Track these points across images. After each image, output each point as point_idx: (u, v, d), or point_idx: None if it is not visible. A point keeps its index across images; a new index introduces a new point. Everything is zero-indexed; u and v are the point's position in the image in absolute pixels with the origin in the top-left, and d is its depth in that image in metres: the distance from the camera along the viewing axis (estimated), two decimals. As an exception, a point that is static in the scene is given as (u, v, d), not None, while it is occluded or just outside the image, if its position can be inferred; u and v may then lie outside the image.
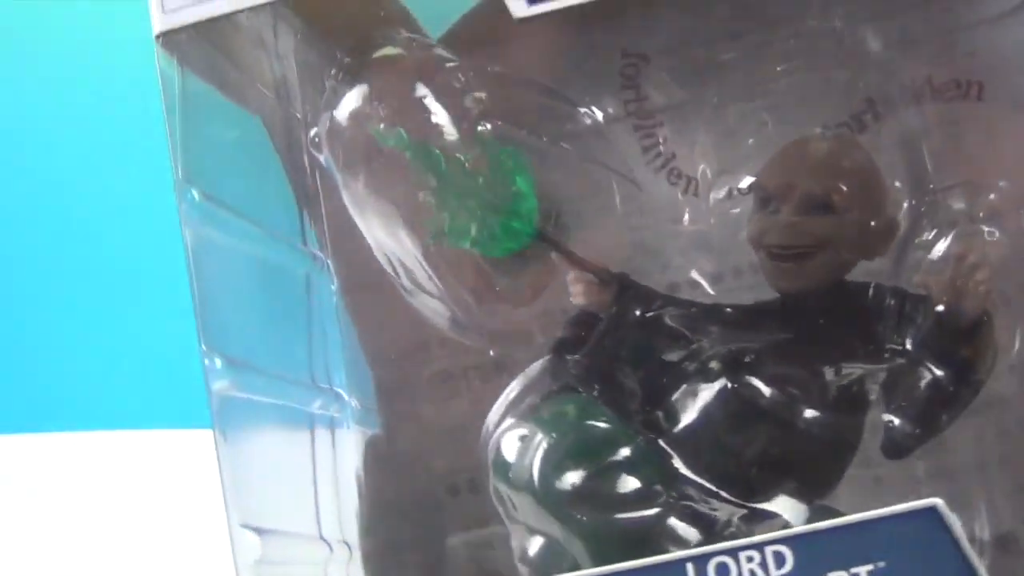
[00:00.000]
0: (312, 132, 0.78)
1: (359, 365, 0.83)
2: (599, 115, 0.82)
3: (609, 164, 0.81)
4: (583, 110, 0.82)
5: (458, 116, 0.75)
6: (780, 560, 0.64)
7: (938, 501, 0.64)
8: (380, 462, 0.84)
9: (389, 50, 0.76)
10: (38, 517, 1.14)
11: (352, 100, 0.76)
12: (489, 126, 0.75)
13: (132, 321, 1.16)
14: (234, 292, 0.74)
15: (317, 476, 0.78)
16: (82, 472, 1.14)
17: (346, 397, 0.82)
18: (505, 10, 0.72)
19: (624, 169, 0.82)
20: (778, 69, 0.83)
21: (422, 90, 0.75)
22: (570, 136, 0.81)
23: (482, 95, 0.76)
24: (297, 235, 0.81)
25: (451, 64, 0.76)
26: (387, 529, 0.83)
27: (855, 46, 0.82)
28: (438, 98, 0.75)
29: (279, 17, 0.78)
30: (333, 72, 0.76)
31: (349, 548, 0.80)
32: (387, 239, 0.76)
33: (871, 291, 0.78)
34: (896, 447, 0.75)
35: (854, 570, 0.64)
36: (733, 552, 0.65)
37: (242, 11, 0.69)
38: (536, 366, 0.80)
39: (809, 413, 0.75)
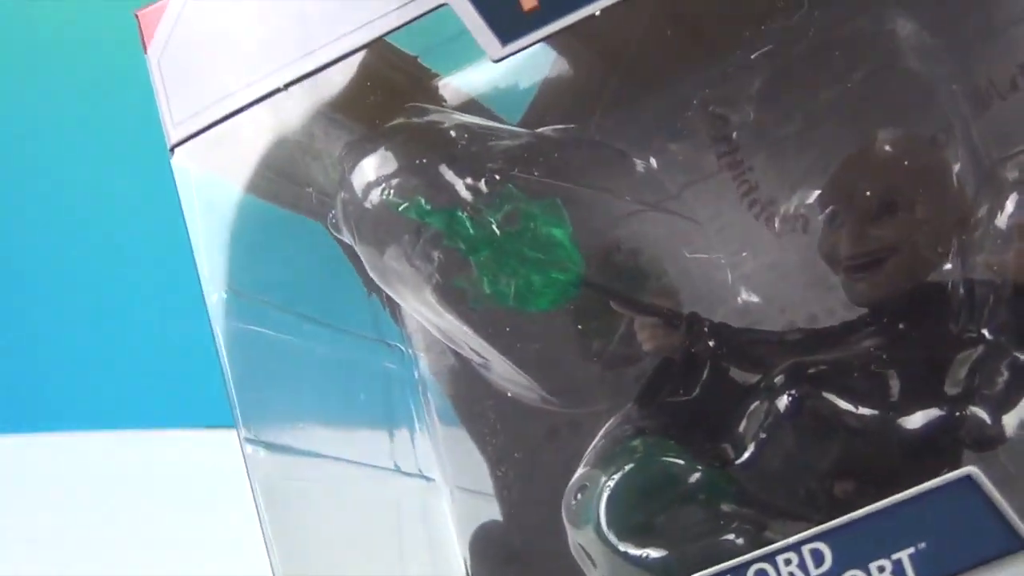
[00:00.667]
0: (330, 215, 0.79)
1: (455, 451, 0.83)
2: (653, 162, 0.81)
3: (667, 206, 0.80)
4: (639, 161, 0.81)
5: (475, 174, 0.75)
6: (819, 558, 0.61)
7: (972, 469, 0.59)
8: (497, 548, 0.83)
9: (397, 121, 0.77)
10: (38, 517, 1.15)
11: (360, 174, 0.77)
12: (510, 182, 0.75)
13: (136, 321, 1.17)
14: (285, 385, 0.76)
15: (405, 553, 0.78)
16: (82, 472, 1.15)
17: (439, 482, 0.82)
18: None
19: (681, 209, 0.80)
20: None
21: (431, 154, 0.75)
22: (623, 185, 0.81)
23: (504, 145, 0.76)
24: (372, 327, 0.82)
25: (465, 126, 0.77)
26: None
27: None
28: (449, 159, 0.75)
29: (329, 123, 0.81)
30: (342, 152, 0.78)
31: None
32: (427, 312, 0.76)
33: (948, 287, 0.73)
34: (983, 439, 0.69)
35: (895, 556, 0.59)
36: (770, 557, 0.62)
37: (250, 105, 0.71)
38: (616, 417, 0.78)
39: (880, 417, 0.70)
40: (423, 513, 0.81)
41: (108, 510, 1.18)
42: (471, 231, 0.74)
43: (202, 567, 0.90)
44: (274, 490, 0.72)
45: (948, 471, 0.67)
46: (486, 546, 0.84)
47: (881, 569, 0.59)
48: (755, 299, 0.81)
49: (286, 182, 0.81)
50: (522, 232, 0.74)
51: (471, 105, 0.83)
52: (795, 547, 0.61)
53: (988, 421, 0.69)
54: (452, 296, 0.76)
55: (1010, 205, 0.71)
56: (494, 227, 0.74)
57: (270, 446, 0.72)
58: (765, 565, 0.61)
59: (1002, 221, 0.71)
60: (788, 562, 0.61)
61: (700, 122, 0.84)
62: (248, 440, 0.71)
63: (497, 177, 0.74)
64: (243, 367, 0.73)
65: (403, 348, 0.84)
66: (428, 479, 0.82)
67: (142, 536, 1.12)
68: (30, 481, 1.23)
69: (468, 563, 0.83)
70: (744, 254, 0.80)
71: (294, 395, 0.76)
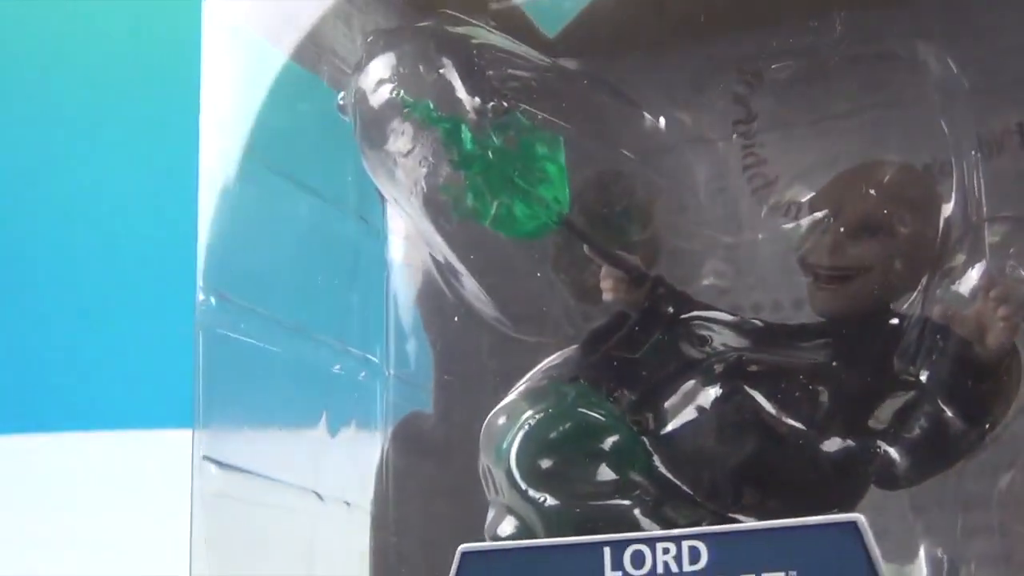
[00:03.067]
0: (339, 95, 0.80)
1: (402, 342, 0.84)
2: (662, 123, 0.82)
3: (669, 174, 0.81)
4: (648, 117, 0.82)
5: (487, 95, 0.75)
6: (695, 555, 0.63)
7: (860, 517, 0.61)
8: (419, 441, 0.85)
9: (427, 23, 0.77)
10: (37, 517, 1.16)
11: (380, 65, 0.77)
12: (520, 111, 0.75)
13: (137, 322, 1.18)
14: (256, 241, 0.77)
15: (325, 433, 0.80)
16: (81, 472, 1.16)
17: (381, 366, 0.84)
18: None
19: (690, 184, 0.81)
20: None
21: (455, 64, 0.76)
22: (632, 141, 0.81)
23: (522, 75, 0.76)
24: (356, 203, 0.83)
25: (491, 46, 0.77)
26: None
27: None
28: (472, 74, 0.76)
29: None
30: (367, 38, 0.78)
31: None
32: (409, 211, 0.78)
33: (902, 321, 0.74)
34: (888, 477, 0.71)
35: (765, 575, 0.61)
36: (651, 542, 0.64)
37: None
38: (558, 355, 0.80)
39: (801, 431, 0.71)
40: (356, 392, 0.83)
41: (108, 510, 1.19)
42: (468, 145, 0.75)
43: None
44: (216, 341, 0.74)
45: (850, 500, 0.70)
46: (408, 434, 0.86)
47: (749, 584, 0.61)
48: (726, 269, 0.81)
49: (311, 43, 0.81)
50: (516, 158, 0.75)
51: (513, 12, 0.82)
52: (676, 539, 0.63)
53: (897, 460, 0.70)
54: (434, 204, 0.77)
55: (980, 267, 0.72)
56: (491, 147, 0.74)
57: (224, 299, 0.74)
58: (643, 548, 0.63)
59: (971, 278, 0.72)
60: (666, 551, 0.63)
61: (727, 84, 0.83)
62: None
63: (506, 104, 0.74)
64: (220, 221, 0.75)
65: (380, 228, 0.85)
66: (370, 360, 0.84)
67: (141, 536, 1.14)
68: (29, 481, 1.23)
69: (387, 449, 0.84)
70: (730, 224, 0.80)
71: (259, 252, 0.78)
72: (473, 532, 0.74)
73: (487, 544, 0.71)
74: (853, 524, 0.61)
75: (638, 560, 0.63)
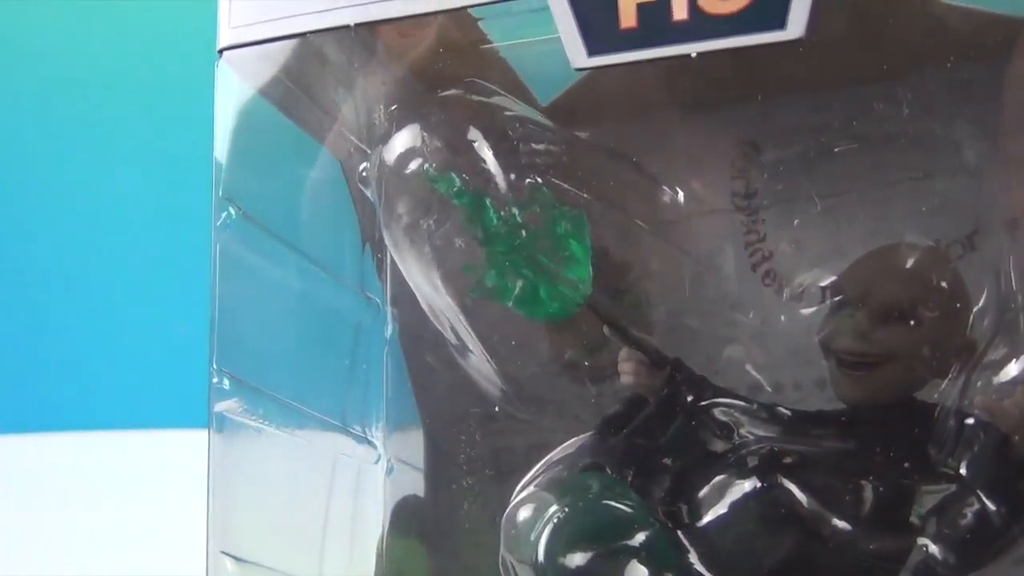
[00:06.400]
0: (362, 167, 0.77)
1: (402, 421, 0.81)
2: (680, 196, 0.80)
3: (686, 248, 0.78)
4: (666, 189, 0.79)
5: (516, 169, 0.72)
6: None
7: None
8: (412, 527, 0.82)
9: (451, 91, 0.74)
10: (38, 517, 1.14)
11: (404, 137, 0.74)
12: (545, 186, 0.73)
13: (137, 322, 1.16)
14: (263, 318, 0.73)
15: (329, 521, 0.76)
16: (82, 472, 1.14)
17: (380, 449, 0.80)
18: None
19: (702, 256, 0.79)
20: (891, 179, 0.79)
21: (479, 136, 0.73)
22: (648, 214, 0.79)
23: (550, 149, 0.74)
24: (356, 277, 0.80)
25: (516, 116, 0.74)
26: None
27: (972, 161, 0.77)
28: (496, 147, 0.73)
29: (375, 62, 0.78)
30: (390, 107, 0.75)
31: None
32: (426, 287, 0.74)
33: (937, 412, 0.72)
34: (928, 574, 0.69)
35: None
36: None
37: (313, 32, 0.68)
38: (573, 442, 0.77)
39: (843, 527, 0.69)
40: (357, 477, 0.79)
41: (109, 510, 1.16)
42: (494, 222, 0.72)
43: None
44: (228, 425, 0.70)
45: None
46: (402, 518, 0.82)
47: None
48: (740, 352, 0.79)
49: (308, 101, 0.78)
50: (542, 237, 0.72)
51: (510, 80, 0.80)
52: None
53: (939, 556, 0.68)
54: (456, 278, 0.74)
55: (1022, 359, 0.70)
56: (517, 225, 0.71)
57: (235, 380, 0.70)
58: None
59: (1014, 370, 0.70)
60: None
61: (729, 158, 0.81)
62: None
63: (537, 180, 0.71)
64: (229, 295, 0.71)
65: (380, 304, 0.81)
66: (371, 443, 0.81)
67: (142, 536, 1.11)
68: (30, 481, 1.21)
69: (385, 530, 0.81)
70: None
71: (266, 329, 0.74)
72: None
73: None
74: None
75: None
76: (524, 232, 0.72)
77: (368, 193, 0.77)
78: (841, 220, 0.80)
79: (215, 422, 0.70)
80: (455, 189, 0.72)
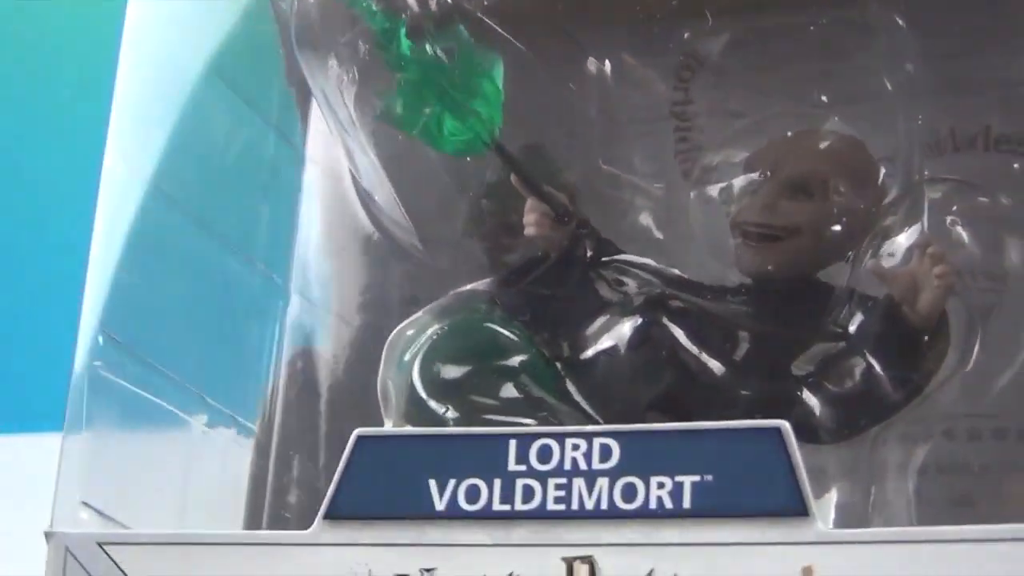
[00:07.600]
0: None
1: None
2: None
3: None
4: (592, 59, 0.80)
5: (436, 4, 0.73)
6: (606, 453, 0.59)
7: (784, 423, 0.58)
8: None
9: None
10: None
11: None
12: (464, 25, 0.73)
13: None
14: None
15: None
16: None
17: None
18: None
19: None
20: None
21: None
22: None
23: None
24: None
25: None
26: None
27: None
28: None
29: None
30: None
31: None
32: (339, 110, 0.75)
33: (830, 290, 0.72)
34: (808, 429, 0.68)
35: (679, 478, 0.58)
36: (560, 437, 0.60)
37: None
38: (468, 287, 0.76)
39: (718, 367, 0.69)
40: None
41: None
42: (404, 46, 0.72)
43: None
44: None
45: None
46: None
47: (661, 485, 0.58)
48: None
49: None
50: (453, 69, 0.72)
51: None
52: (587, 436, 0.59)
53: (818, 410, 0.68)
54: (364, 102, 0.74)
55: (917, 226, 0.70)
56: (428, 52, 0.72)
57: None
58: (552, 442, 0.60)
59: (907, 236, 0.70)
60: (576, 447, 0.59)
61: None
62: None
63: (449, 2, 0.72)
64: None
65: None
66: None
67: None
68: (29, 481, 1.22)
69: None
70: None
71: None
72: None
73: (385, 429, 0.67)
74: (776, 430, 0.57)
75: (545, 454, 0.60)
76: (436, 64, 0.72)
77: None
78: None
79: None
80: (370, 8, 0.72)
